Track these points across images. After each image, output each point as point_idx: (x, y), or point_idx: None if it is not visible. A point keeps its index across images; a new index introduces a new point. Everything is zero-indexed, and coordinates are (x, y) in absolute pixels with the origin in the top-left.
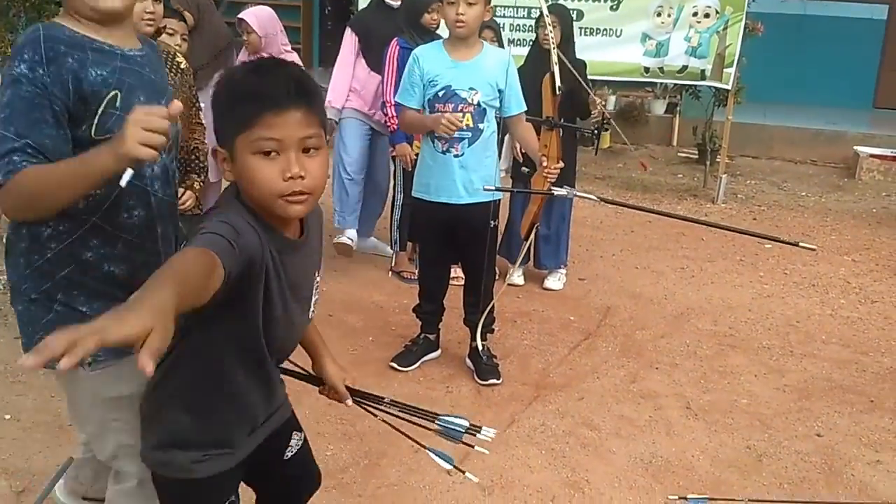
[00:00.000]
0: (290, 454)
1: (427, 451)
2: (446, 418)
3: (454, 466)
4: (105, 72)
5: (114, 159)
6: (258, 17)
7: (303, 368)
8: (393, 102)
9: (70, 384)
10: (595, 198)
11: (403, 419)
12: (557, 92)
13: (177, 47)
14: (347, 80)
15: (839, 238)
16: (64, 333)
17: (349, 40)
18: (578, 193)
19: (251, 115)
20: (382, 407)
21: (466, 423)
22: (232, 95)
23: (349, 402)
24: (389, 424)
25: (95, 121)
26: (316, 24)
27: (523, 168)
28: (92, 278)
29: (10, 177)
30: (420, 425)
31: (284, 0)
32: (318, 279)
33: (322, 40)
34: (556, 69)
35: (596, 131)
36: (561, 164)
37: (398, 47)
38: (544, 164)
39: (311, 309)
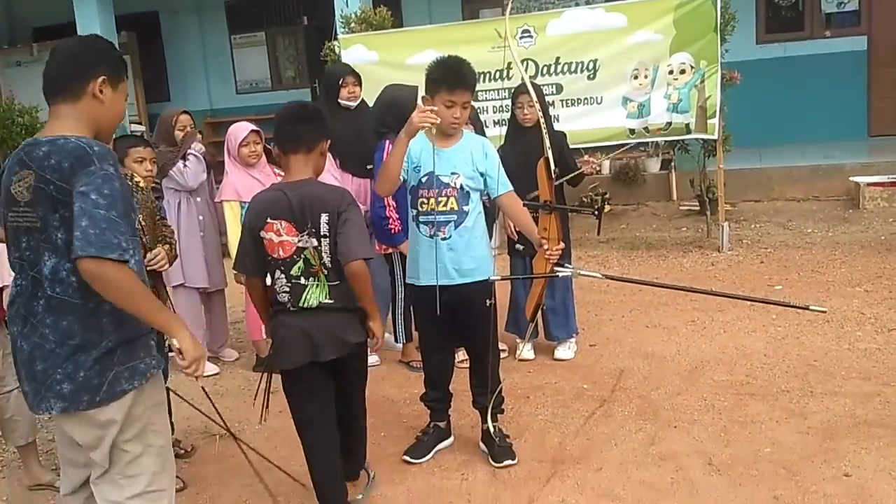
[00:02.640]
0: None
1: None
2: None
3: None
4: None
5: (169, 333)
6: None
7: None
8: (392, 205)
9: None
10: (600, 275)
11: None
12: (553, 176)
13: (147, 172)
14: None
15: (850, 270)
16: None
17: None
18: (582, 272)
19: None
20: None
21: None
22: None
23: None
24: None
25: None
26: None
27: (518, 245)
28: None
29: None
30: None
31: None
32: None
33: None
34: (550, 153)
35: (597, 212)
36: (562, 245)
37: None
38: (545, 246)
39: None
